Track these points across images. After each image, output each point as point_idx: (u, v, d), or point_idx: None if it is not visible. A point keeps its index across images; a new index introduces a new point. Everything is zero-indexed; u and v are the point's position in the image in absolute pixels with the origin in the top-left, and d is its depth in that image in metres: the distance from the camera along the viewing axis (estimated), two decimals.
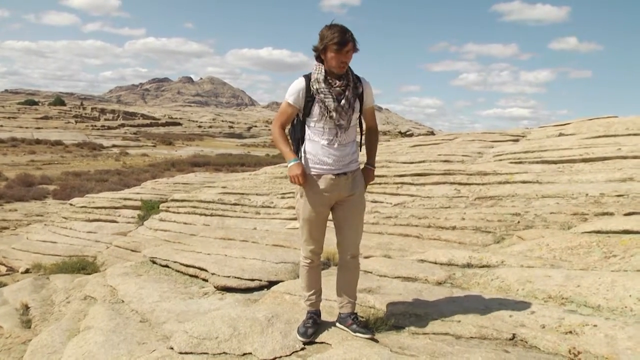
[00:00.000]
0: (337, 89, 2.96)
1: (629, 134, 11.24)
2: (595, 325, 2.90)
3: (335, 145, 3.00)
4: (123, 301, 5.21)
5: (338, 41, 2.85)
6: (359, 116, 3.11)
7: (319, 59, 3.00)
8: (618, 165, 8.99)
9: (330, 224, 3.15)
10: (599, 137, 11.46)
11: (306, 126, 3.07)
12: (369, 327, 3.13)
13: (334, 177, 3.01)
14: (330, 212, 3.16)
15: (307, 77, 3.01)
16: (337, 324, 3.21)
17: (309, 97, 2.98)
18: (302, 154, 3.09)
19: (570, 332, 2.91)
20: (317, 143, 3.02)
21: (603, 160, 9.46)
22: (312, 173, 3.04)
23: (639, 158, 9.07)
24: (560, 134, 13.05)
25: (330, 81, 2.97)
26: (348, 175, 3.04)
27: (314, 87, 2.97)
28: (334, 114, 2.94)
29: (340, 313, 3.23)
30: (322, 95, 2.94)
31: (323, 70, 2.97)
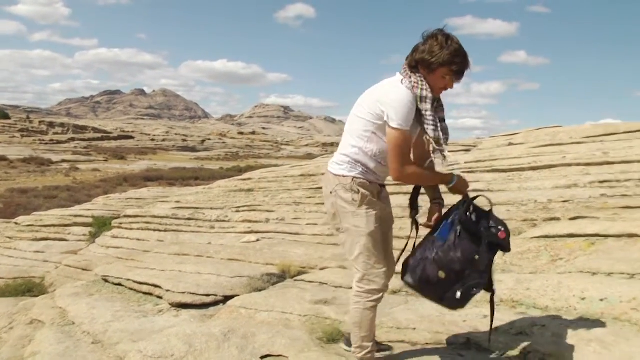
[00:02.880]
0: (440, 114, 2.47)
1: (573, 143, 11.75)
2: (543, 326, 3.01)
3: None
4: (74, 323, 5.03)
5: (459, 70, 2.38)
6: None
7: (414, 69, 2.41)
8: (563, 172, 9.35)
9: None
10: (546, 146, 11.91)
11: (371, 137, 2.47)
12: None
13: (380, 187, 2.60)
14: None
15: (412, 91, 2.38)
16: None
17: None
18: (359, 166, 2.52)
19: (521, 333, 3.02)
20: (380, 168, 2.52)
21: (550, 168, 9.82)
22: (370, 180, 2.54)
23: (582, 165, 9.47)
24: (510, 144, 13.48)
25: (435, 104, 2.41)
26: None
27: (418, 105, 2.39)
28: (435, 144, 2.43)
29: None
30: (427, 121, 2.40)
31: (429, 88, 2.39)
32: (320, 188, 12.40)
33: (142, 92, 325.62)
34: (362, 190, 2.50)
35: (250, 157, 77.80)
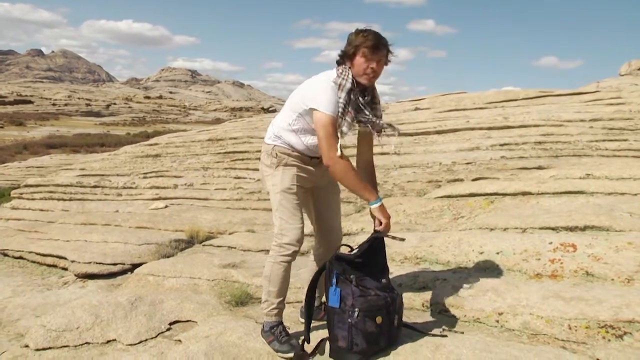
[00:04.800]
0: (359, 106, 2.55)
1: (476, 108, 12.38)
2: (445, 280, 3.20)
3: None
4: None
5: (372, 44, 2.45)
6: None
7: (341, 64, 2.55)
8: (467, 136, 9.84)
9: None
10: (451, 110, 12.45)
11: (298, 117, 2.59)
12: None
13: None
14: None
15: (335, 82, 2.51)
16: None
17: None
18: (281, 139, 2.66)
19: (424, 287, 3.19)
20: (302, 144, 2.63)
21: (454, 132, 10.29)
22: (296, 149, 2.66)
23: (484, 129, 10.02)
24: (416, 109, 13.94)
25: (353, 95, 2.51)
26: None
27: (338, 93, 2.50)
28: (343, 133, 2.52)
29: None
30: (339, 110, 2.48)
31: (351, 78, 2.50)
32: (229, 152, 12.14)
33: (39, 53, 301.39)
34: (280, 154, 2.65)
35: (158, 122, 74.72)
